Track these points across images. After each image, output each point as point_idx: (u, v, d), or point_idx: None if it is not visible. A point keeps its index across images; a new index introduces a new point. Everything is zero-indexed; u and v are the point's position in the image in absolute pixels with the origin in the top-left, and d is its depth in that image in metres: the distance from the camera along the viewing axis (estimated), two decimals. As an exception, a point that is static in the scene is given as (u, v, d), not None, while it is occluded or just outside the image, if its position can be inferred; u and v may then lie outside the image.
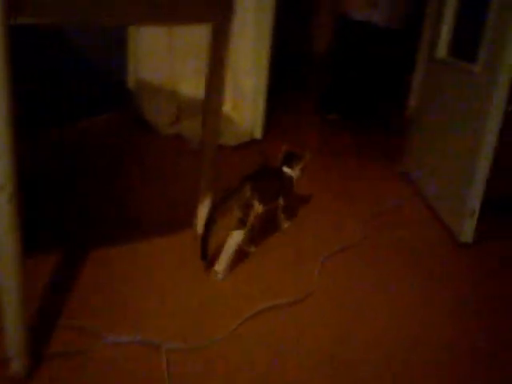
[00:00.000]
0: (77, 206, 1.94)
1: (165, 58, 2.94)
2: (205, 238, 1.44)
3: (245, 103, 2.85)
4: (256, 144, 2.87)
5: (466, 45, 2.08)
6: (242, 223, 1.49)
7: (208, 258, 1.49)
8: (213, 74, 1.59)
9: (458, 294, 1.58)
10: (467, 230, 1.85)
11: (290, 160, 1.78)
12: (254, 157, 2.69)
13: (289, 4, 4.63)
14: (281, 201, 1.74)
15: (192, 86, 2.96)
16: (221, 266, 1.50)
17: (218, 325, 1.33)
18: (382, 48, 3.50)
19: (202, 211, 1.75)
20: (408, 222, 2.05)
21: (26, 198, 1.95)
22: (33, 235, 1.69)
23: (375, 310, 1.45)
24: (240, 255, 1.59)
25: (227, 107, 2.90)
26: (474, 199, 1.80)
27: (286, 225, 1.88)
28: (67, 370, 1.13)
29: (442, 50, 2.25)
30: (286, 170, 1.77)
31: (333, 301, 1.48)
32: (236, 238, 1.50)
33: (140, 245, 1.69)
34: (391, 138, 3.29)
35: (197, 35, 2.82)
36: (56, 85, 2.52)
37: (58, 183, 2.13)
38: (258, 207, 1.52)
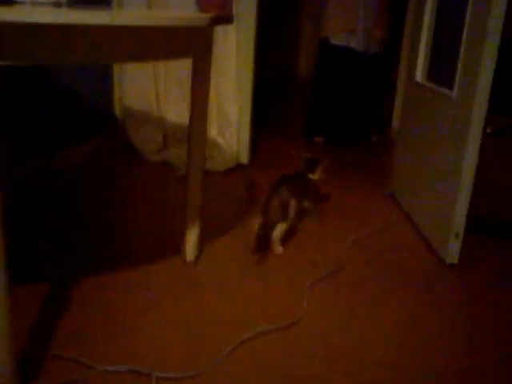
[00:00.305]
0: (65, 235, 1.94)
1: (150, 87, 2.98)
2: (260, 235, 1.83)
3: (231, 129, 2.89)
4: (242, 169, 2.89)
5: (442, 69, 2.14)
6: (283, 217, 1.83)
7: (264, 251, 1.85)
8: (196, 102, 1.64)
9: (445, 317, 1.59)
10: (453, 251, 1.88)
11: (311, 165, 2.03)
12: (241, 181, 2.72)
13: (273, 30, 4.74)
14: (305, 202, 2.01)
15: (177, 114, 3.00)
16: (278, 248, 1.90)
17: (207, 352, 1.33)
18: (361, 71, 3.59)
19: (190, 237, 1.77)
20: (394, 244, 2.07)
21: (13, 228, 1.94)
22: (22, 267, 1.68)
23: (362, 335, 1.46)
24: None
25: (214, 133, 2.94)
26: (458, 220, 1.84)
27: (313, 214, 2.16)
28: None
29: (419, 75, 2.32)
30: (309, 176, 2.03)
31: (321, 327, 1.49)
32: (279, 229, 1.86)
33: (129, 273, 1.69)
34: (377, 159, 3.34)
35: (180, 64, 2.87)
36: (43, 112, 2.54)
37: (46, 212, 2.13)
38: (295, 204, 1.84)
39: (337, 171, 3.01)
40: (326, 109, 3.65)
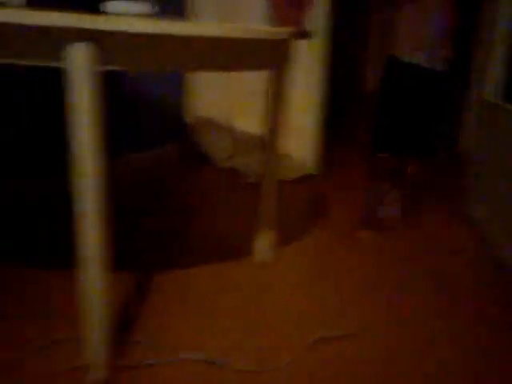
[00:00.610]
0: (141, 233, 2.07)
1: (222, 95, 3.08)
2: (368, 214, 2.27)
3: (302, 140, 2.95)
4: (312, 178, 2.95)
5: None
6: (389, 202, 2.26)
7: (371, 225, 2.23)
8: (273, 113, 1.71)
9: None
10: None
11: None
12: (310, 190, 2.77)
13: (341, 46, 4.79)
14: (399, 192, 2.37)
15: (248, 123, 3.08)
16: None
17: (276, 350, 1.38)
18: (426, 89, 3.57)
19: (263, 240, 1.84)
20: (469, 265, 2.02)
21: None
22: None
23: (440, 358, 1.43)
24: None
25: (286, 144, 3.00)
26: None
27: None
28: (138, 382, 1.22)
29: (491, 94, 2.27)
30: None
31: (386, 337, 1.50)
32: (388, 211, 2.28)
33: (202, 270, 1.78)
34: (445, 177, 3.28)
35: (253, 74, 2.97)
36: (117, 117, 2.71)
37: (122, 213, 2.27)
38: (396, 193, 2.30)
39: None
40: (390, 125, 3.64)
